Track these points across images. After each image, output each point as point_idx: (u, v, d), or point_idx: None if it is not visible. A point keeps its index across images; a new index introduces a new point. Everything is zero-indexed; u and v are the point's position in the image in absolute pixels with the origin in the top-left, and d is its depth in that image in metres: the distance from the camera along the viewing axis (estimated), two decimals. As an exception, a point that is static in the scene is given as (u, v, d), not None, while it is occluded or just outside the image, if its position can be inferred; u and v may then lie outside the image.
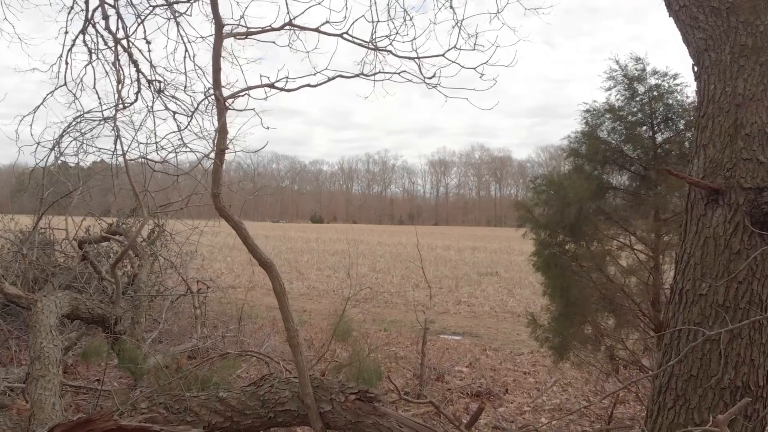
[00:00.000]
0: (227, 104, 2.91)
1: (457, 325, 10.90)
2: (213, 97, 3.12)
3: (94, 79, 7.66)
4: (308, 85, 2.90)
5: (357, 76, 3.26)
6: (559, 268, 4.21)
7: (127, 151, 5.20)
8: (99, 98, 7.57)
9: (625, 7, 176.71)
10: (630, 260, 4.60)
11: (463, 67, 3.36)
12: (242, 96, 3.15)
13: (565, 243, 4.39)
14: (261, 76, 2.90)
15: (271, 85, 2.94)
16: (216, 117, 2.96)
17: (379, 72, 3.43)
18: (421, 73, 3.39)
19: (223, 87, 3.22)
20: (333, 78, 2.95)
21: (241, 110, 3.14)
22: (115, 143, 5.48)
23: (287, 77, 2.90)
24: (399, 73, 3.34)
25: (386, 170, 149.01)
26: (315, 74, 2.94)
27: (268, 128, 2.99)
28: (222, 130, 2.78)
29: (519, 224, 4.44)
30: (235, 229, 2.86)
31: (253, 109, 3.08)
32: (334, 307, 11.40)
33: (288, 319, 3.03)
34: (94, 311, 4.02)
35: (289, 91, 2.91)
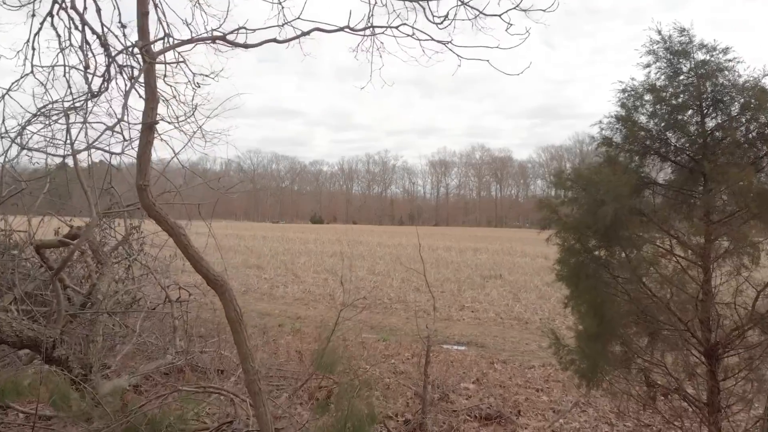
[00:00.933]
0: (150, 60, 2.19)
1: (461, 333, 10.17)
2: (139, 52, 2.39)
3: (65, 67, 7.00)
4: (275, 40, 2.20)
5: (341, 29, 2.55)
6: (592, 279, 3.49)
7: (75, 140, 4.48)
8: (69, 87, 6.89)
9: (625, 8, 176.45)
10: (671, 270, 3.88)
11: (481, 12, 2.64)
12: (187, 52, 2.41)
13: (595, 249, 3.67)
14: (212, 30, 2.19)
15: (222, 38, 2.24)
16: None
17: (371, 26, 2.70)
18: (428, 16, 2.65)
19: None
20: (308, 32, 2.24)
21: (169, 63, 2.40)
22: (67, 135, 4.77)
23: (246, 29, 2.19)
24: (397, 27, 2.62)
25: (386, 171, 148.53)
26: (283, 26, 2.23)
27: (199, 85, 2.26)
28: (150, 97, 2.08)
29: (542, 226, 3.71)
30: (171, 234, 2.15)
31: (183, 61, 2.35)
32: (329, 315, 10.69)
33: (246, 358, 2.32)
34: (23, 334, 3.31)
35: (247, 47, 2.21)
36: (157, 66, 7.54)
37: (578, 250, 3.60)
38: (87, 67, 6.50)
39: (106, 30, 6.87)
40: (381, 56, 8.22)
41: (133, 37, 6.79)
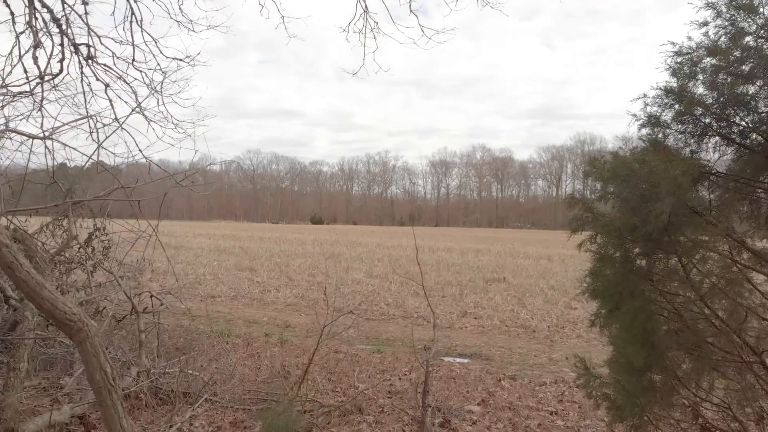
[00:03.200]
0: None
1: (464, 343, 9.36)
2: None
3: (20, 50, 6.23)
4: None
5: None
6: (640, 299, 2.69)
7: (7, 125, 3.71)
8: (25, 70, 6.12)
9: (624, 9, 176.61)
10: (724, 285, 3.07)
11: None
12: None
13: (640, 258, 2.87)
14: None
15: None
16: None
17: None
18: None
19: None
20: None
21: None
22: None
23: None
24: None
25: (387, 171, 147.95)
26: None
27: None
28: None
29: (574, 228, 2.91)
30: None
31: None
32: (319, 324, 9.87)
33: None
34: None
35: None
36: (126, 49, 6.70)
37: (618, 259, 2.80)
38: (36, 46, 5.72)
39: (67, 9, 6.11)
40: (375, 37, 7.38)
41: (96, 17, 5.99)
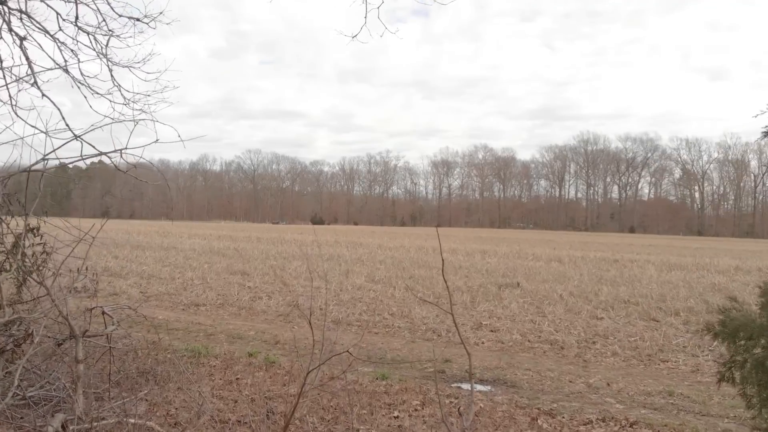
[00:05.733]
0: None
1: (483, 364, 7.96)
2: None
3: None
4: None
5: None
6: None
7: None
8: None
9: (624, 10, 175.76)
10: None
11: None
12: None
13: None
14: None
15: None
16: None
17: None
18: None
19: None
20: None
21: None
22: None
23: None
24: None
25: (388, 171, 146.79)
26: None
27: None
28: None
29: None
30: None
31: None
32: (313, 340, 8.46)
33: None
34: None
35: None
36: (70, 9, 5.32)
37: None
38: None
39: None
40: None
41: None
